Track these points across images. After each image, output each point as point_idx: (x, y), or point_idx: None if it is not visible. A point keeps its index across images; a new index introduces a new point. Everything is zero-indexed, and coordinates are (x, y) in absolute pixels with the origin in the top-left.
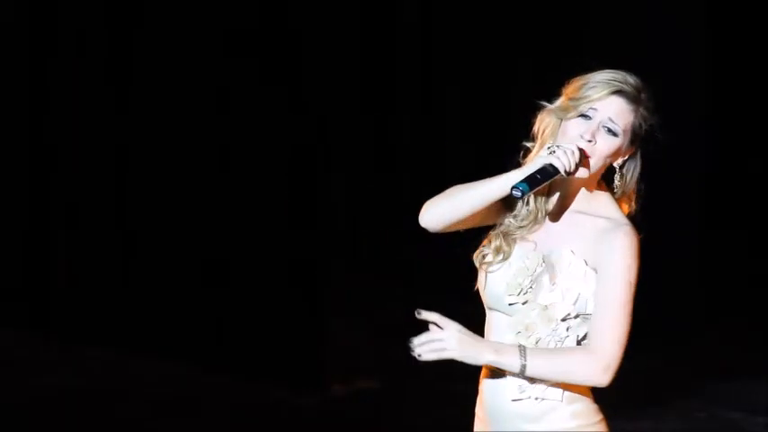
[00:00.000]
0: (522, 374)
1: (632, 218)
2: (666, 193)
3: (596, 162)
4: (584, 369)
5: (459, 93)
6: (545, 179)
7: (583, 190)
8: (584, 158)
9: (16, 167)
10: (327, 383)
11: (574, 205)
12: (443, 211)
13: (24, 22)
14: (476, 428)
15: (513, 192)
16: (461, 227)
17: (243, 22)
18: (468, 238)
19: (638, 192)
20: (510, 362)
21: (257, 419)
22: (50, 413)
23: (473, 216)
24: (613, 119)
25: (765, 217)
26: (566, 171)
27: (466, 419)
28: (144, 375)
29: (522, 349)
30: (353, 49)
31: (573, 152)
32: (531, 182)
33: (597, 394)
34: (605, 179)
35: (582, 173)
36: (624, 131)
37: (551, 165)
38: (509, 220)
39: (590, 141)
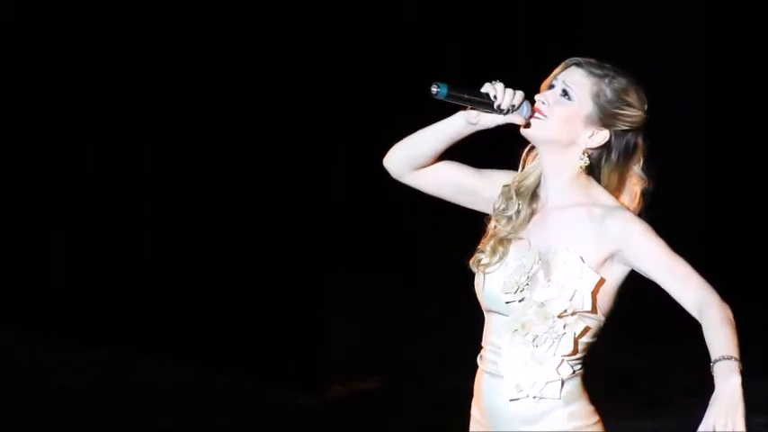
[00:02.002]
0: (741, 365)
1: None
2: (665, 192)
3: (553, 125)
4: (727, 311)
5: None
6: (472, 98)
7: (571, 182)
8: (531, 112)
9: (16, 166)
10: (327, 383)
11: (568, 199)
12: (404, 147)
13: (24, 21)
14: (471, 429)
15: (432, 87)
16: (426, 182)
17: (243, 21)
18: (464, 242)
19: (643, 190)
20: (737, 371)
21: (257, 419)
22: (50, 413)
23: (436, 161)
24: (568, 83)
25: (766, 216)
26: (496, 101)
27: (466, 419)
28: (144, 375)
29: (719, 357)
30: (354, 49)
31: (513, 92)
32: (454, 87)
33: (596, 394)
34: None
35: (516, 119)
36: (581, 98)
37: (488, 93)
38: (497, 216)
39: (544, 103)
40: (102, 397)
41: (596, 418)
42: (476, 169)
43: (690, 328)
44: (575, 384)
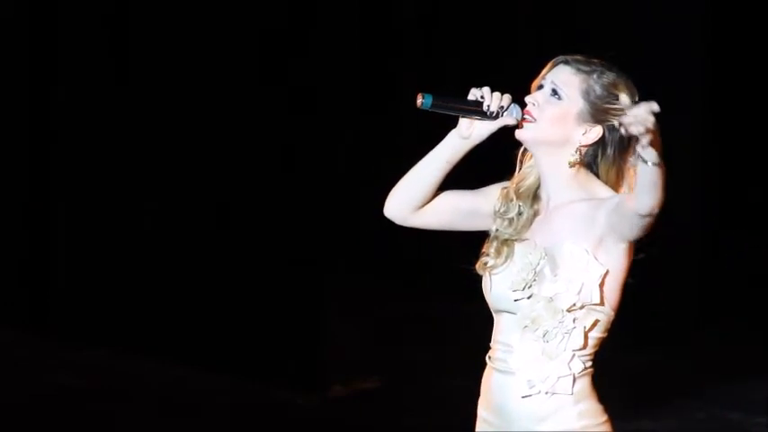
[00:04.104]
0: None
1: None
2: (665, 192)
3: (545, 127)
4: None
5: (458, 93)
6: (460, 106)
7: (570, 180)
8: (521, 114)
9: (16, 166)
10: (327, 383)
11: (569, 197)
12: (401, 189)
13: (24, 19)
14: (478, 428)
15: (417, 99)
16: (429, 217)
17: (243, 20)
18: (464, 242)
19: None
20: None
21: (257, 419)
22: (50, 413)
23: (434, 195)
24: (557, 82)
25: (766, 216)
26: (485, 102)
27: (466, 419)
28: (144, 375)
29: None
30: (353, 49)
31: (499, 95)
32: (439, 97)
33: (601, 394)
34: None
35: (507, 120)
36: (571, 97)
37: (475, 99)
38: (499, 218)
39: (534, 105)
40: (102, 397)
41: (605, 417)
42: (472, 190)
43: (690, 330)
44: (584, 382)
